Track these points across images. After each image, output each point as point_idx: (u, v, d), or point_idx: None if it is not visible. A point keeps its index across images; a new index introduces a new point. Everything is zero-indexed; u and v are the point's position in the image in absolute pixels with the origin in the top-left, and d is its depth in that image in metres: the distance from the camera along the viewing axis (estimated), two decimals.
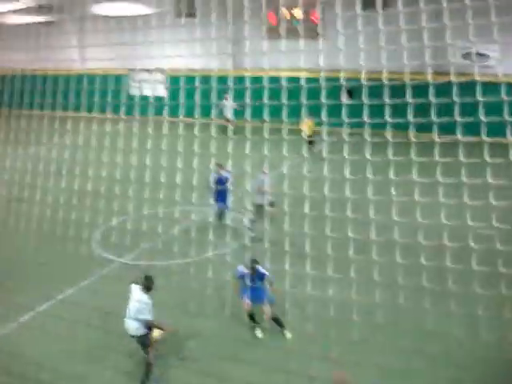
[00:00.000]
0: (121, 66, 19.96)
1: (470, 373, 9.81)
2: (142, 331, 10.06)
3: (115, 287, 12.90)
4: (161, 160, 11.00)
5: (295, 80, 11.29)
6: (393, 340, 10.28)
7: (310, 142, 24.45)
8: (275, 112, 9.91)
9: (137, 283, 10.20)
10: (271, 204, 15.45)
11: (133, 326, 10.06)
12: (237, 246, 15.00)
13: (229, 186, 16.39)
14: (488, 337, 9.12)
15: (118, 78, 19.98)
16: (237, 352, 10.89)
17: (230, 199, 16.73)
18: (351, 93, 10.83)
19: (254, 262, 11.63)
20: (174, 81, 29.32)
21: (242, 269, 11.83)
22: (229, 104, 29.95)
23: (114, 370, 10.39)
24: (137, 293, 10.14)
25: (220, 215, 17.22)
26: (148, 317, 9.99)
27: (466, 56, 25.70)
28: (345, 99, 9.23)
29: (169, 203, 11.63)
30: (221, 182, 16.60)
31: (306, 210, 9.55)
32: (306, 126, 24.15)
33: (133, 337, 10.16)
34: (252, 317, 11.80)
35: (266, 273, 11.63)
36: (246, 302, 11.62)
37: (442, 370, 9.87)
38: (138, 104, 13.04)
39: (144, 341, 10.12)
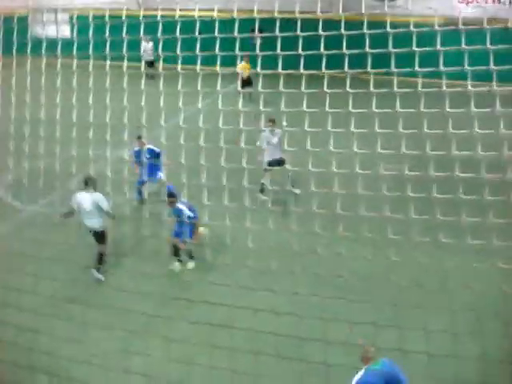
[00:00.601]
0: (24, 5, 18.94)
1: None
2: (104, 226, 11.87)
3: None
4: (72, 99, 10.73)
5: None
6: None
7: (249, 84, 25.54)
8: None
9: (82, 189, 11.61)
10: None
11: (97, 222, 11.71)
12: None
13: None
14: None
15: (23, 19, 19.03)
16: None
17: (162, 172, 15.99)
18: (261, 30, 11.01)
19: (172, 195, 12.33)
20: (81, 21, 27.91)
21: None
22: (149, 46, 28.73)
23: None
24: (87, 196, 11.50)
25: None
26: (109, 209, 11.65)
27: None
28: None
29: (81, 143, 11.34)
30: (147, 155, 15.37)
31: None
32: (243, 68, 25.17)
33: (96, 232, 11.80)
34: (176, 249, 12.76)
35: (186, 212, 12.29)
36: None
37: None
38: (44, 45, 12.48)
39: (104, 235, 11.95)
